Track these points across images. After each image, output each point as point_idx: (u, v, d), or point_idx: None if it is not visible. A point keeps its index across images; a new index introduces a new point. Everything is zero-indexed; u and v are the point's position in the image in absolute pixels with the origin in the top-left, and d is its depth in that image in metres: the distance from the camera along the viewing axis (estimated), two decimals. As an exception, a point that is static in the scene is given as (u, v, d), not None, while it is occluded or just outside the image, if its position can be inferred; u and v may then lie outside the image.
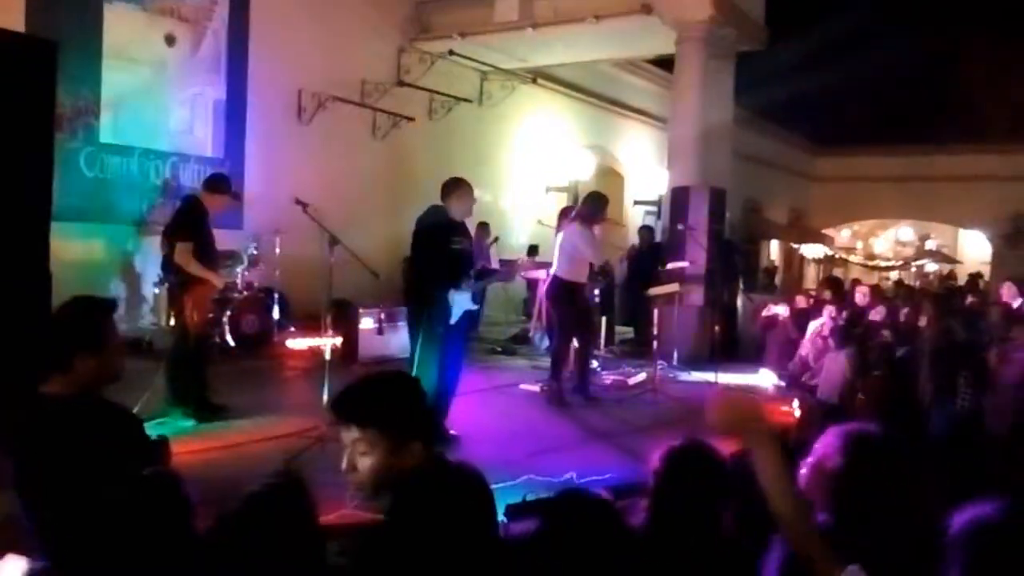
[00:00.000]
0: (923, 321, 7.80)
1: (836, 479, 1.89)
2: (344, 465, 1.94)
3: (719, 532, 2.00)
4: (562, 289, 6.90)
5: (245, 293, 8.02)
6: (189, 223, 5.65)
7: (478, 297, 5.42)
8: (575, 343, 7.03)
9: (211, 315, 6.64)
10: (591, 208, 7.15)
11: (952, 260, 24.28)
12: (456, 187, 5.36)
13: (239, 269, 7.96)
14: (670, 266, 8.33)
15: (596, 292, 8.19)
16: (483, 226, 10.08)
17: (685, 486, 2.08)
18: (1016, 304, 9.23)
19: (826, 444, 1.97)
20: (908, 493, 1.87)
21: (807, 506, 1.83)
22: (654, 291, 7.60)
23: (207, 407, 5.61)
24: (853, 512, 1.85)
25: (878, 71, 20.92)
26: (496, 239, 8.18)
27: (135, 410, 3.10)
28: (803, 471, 1.96)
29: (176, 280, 5.62)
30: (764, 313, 8.82)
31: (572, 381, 7.05)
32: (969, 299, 10.88)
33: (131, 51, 8.29)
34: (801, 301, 9.16)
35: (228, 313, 7.77)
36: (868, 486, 1.86)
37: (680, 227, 8.81)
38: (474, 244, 5.56)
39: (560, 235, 7.12)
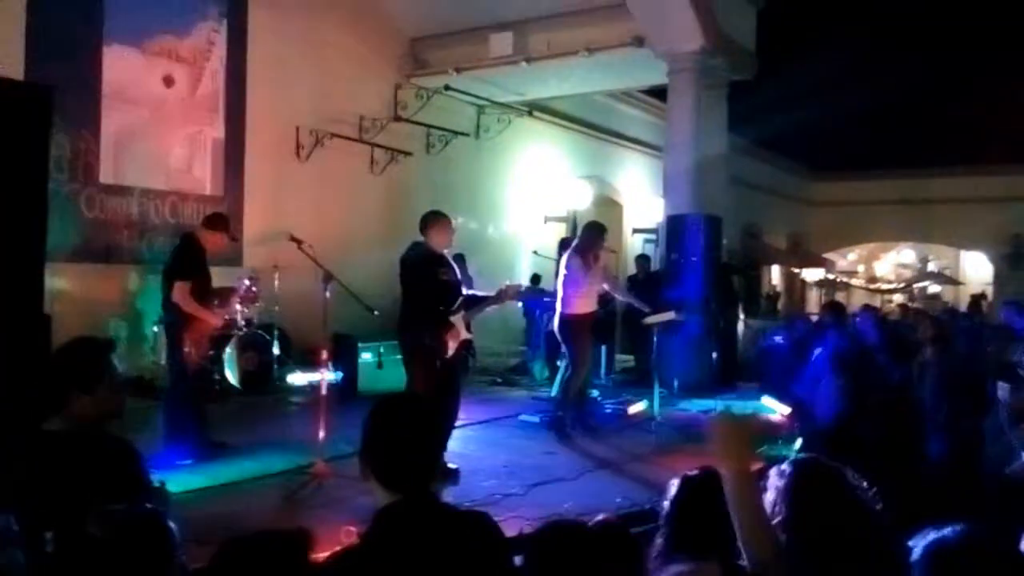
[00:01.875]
0: (924, 343, 7.79)
1: (778, 509, 1.94)
2: None
3: (735, 561, 2.00)
4: (571, 323, 6.89)
5: (245, 330, 8.04)
6: (186, 261, 5.70)
7: (469, 326, 5.44)
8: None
9: (210, 353, 6.66)
10: (586, 238, 7.19)
11: (954, 281, 24.27)
12: (434, 221, 5.41)
13: (236, 307, 7.97)
14: (667, 294, 8.34)
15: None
16: (460, 257, 10.13)
17: (703, 515, 2.09)
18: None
19: (772, 477, 2.04)
20: (852, 519, 1.89)
21: (772, 536, 1.86)
22: (651, 319, 7.60)
23: (206, 445, 5.61)
24: (803, 539, 1.89)
25: (874, 96, 21.09)
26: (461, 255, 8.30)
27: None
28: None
29: (174, 318, 5.65)
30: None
31: (572, 411, 7.03)
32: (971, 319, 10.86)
33: (130, 92, 8.40)
34: (807, 327, 9.16)
35: (228, 350, 7.78)
36: (807, 516, 1.90)
37: (675, 256, 8.83)
38: (459, 275, 5.59)
39: (562, 271, 7.11)
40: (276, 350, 8.38)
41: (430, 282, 5.21)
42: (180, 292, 5.55)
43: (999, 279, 21.36)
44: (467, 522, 1.95)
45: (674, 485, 2.30)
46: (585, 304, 6.96)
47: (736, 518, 1.85)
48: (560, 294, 6.97)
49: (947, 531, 1.61)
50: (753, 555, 1.83)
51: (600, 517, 2.10)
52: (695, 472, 2.30)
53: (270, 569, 1.70)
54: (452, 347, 5.23)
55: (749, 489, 1.88)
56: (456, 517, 1.95)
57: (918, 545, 1.62)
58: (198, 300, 5.63)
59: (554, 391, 8.55)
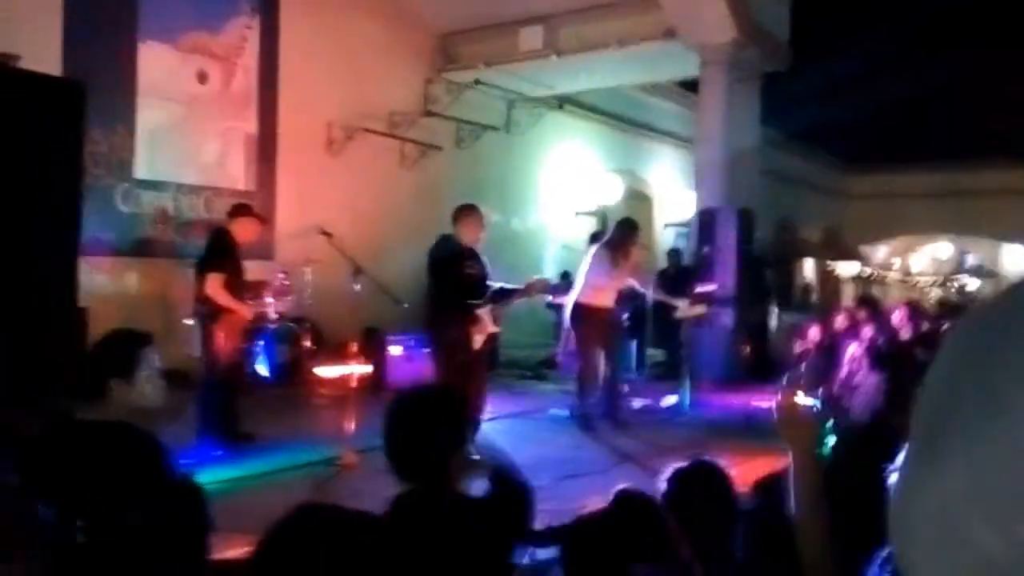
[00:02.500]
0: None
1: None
2: None
3: (731, 555, 1.98)
4: (583, 313, 6.88)
5: (277, 323, 8.12)
6: (218, 254, 5.77)
7: (499, 320, 5.44)
8: (602, 367, 6.99)
9: (243, 345, 6.74)
10: (619, 234, 7.13)
11: (993, 275, 23.75)
12: (464, 214, 5.43)
13: (269, 300, 8.04)
14: (698, 289, 8.27)
15: (625, 316, 8.14)
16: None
17: (694, 508, 2.06)
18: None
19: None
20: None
21: (827, 524, 1.83)
22: (681, 313, 7.55)
23: (236, 436, 5.68)
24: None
25: (910, 87, 20.67)
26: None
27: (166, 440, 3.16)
28: None
29: (207, 311, 5.72)
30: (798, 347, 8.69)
31: (602, 406, 7.01)
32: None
33: (165, 88, 8.52)
34: (839, 321, 9.02)
35: (261, 342, 7.87)
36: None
37: (706, 249, 8.76)
38: (488, 269, 5.59)
39: (587, 259, 7.13)
40: (307, 343, 8.45)
41: (457, 275, 5.23)
42: (213, 284, 5.62)
43: (1041, 273, 20.90)
44: (480, 513, 1.95)
45: (664, 479, 2.29)
46: (602, 297, 6.89)
47: (796, 500, 1.82)
48: (579, 283, 6.94)
49: None
50: (804, 538, 1.80)
51: None
52: (685, 464, 2.29)
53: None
54: (479, 340, 5.24)
55: (813, 472, 1.85)
56: (469, 508, 1.96)
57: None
58: (231, 293, 5.70)
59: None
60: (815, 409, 1.93)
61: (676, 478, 2.18)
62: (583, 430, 6.65)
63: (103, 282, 7.82)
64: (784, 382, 1.98)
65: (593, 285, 6.85)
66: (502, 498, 2.04)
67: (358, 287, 5.45)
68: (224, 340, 5.69)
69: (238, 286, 5.89)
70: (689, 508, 2.07)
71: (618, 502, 1.97)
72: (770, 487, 2.24)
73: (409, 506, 1.85)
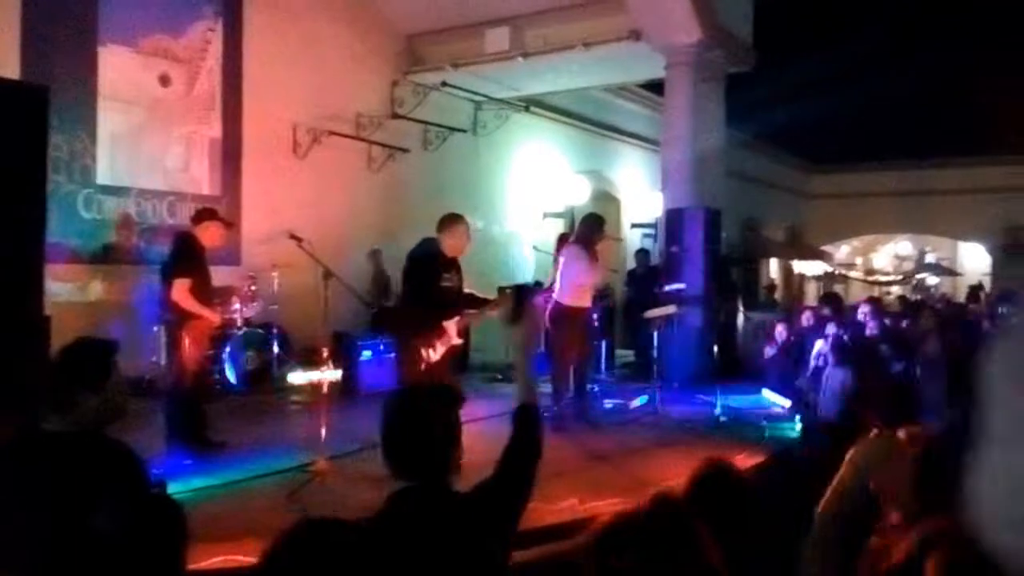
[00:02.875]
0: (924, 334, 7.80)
1: None
2: None
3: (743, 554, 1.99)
4: (562, 314, 6.86)
5: (244, 329, 8.03)
6: (184, 259, 5.69)
7: (462, 332, 5.42)
8: (573, 367, 7.01)
9: (210, 352, 6.66)
10: (587, 230, 7.14)
11: (952, 272, 24.28)
12: (450, 224, 5.37)
13: (236, 306, 7.97)
14: (667, 288, 8.34)
15: (595, 316, 8.18)
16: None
17: (713, 508, 2.08)
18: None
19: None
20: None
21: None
22: (651, 313, 7.60)
23: (206, 444, 5.60)
24: None
25: (872, 88, 21.07)
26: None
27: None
28: None
29: (173, 317, 5.64)
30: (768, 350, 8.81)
31: (573, 406, 7.02)
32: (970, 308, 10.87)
33: (126, 92, 8.38)
34: (805, 319, 9.15)
35: (227, 348, 7.77)
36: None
37: (674, 249, 8.83)
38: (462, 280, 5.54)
39: (560, 260, 7.11)
40: (276, 349, 8.37)
41: (431, 285, 5.19)
42: (180, 290, 5.55)
43: (997, 270, 21.38)
44: (475, 510, 1.96)
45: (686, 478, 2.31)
46: (582, 297, 6.92)
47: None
48: (557, 284, 6.93)
49: None
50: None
51: None
52: (705, 465, 2.31)
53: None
54: (439, 352, 5.21)
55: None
56: (465, 505, 1.97)
57: None
58: (198, 299, 5.63)
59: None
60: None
61: (697, 482, 2.19)
62: (556, 431, 6.65)
63: (64, 290, 7.68)
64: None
65: (572, 285, 6.84)
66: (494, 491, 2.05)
67: (328, 292, 5.40)
68: (191, 347, 5.62)
69: (206, 292, 5.82)
70: (710, 512, 2.07)
71: (655, 504, 1.95)
72: (703, 483, 2.27)
73: (408, 503, 1.86)
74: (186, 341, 5.60)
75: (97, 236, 8.13)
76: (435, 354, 5.17)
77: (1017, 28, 18.94)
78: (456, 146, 12.20)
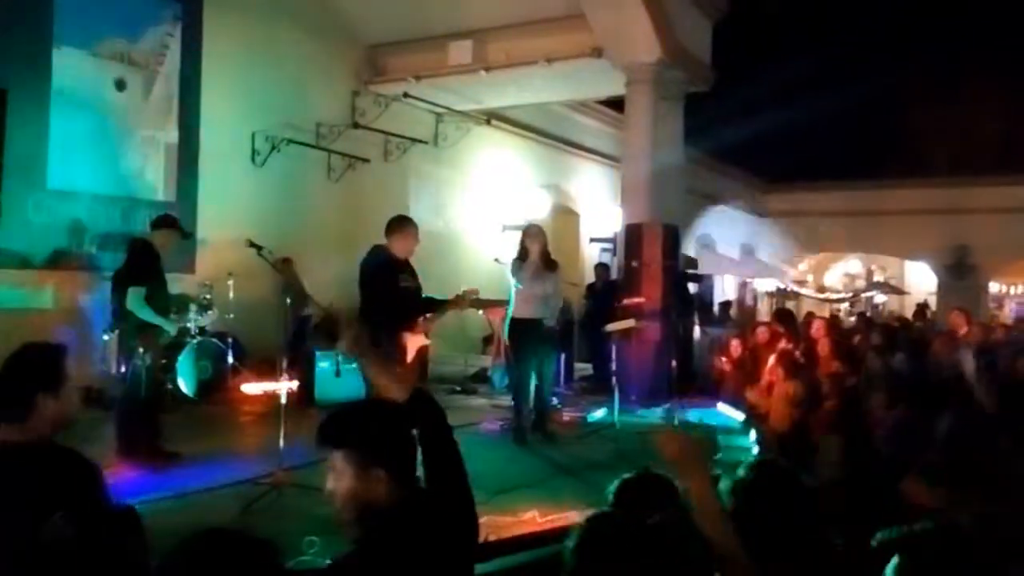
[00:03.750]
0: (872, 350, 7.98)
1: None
2: (326, 490, 1.96)
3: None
4: (516, 326, 6.86)
5: (198, 338, 7.89)
6: (140, 267, 5.58)
7: (428, 332, 5.41)
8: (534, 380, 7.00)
9: (164, 361, 6.53)
10: (528, 240, 6.98)
11: (899, 291, 24.92)
12: (398, 226, 5.38)
13: (191, 314, 7.84)
14: (626, 302, 8.42)
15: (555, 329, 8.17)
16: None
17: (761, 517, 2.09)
18: (963, 332, 9.50)
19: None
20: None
21: (735, 541, 1.90)
22: (611, 327, 7.66)
23: (159, 455, 5.48)
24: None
25: (823, 109, 21.59)
26: None
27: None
28: None
29: (127, 326, 5.53)
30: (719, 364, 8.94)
31: (531, 419, 7.02)
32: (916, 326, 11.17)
33: (80, 96, 8.21)
34: (761, 335, 9.31)
35: (181, 358, 7.63)
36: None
37: (634, 264, 8.92)
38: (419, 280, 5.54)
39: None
40: (231, 359, 8.24)
41: (391, 288, 5.17)
42: (134, 299, 5.44)
43: (942, 289, 21.98)
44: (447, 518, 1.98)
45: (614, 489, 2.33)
46: (525, 308, 6.81)
47: (702, 527, 1.89)
48: (515, 300, 6.90)
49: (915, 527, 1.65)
50: (715, 549, 1.87)
51: None
52: (632, 475, 2.34)
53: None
54: (411, 354, 5.20)
55: (710, 500, 1.92)
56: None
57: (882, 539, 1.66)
58: (153, 307, 5.52)
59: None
60: (694, 433, 2.02)
61: (743, 488, 2.19)
62: (516, 443, 6.65)
63: (11, 296, 7.47)
64: (664, 420, 2.10)
65: (528, 296, 6.81)
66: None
67: (288, 301, 5.34)
68: (145, 356, 5.50)
69: (162, 300, 5.72)
70: (756, 518, 2.06)
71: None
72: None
73: (415, 507, 1.92)
74: (140, 350, 5.48)
75: (47, 241, 7.93)
76: (408, 356, 5.15)
77: (966, 51, 19.62)
78: (417, 157, 12.20)
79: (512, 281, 6.82)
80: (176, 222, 5.95)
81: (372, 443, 1.92)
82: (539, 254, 6.85)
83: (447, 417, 2.19)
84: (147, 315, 5.46)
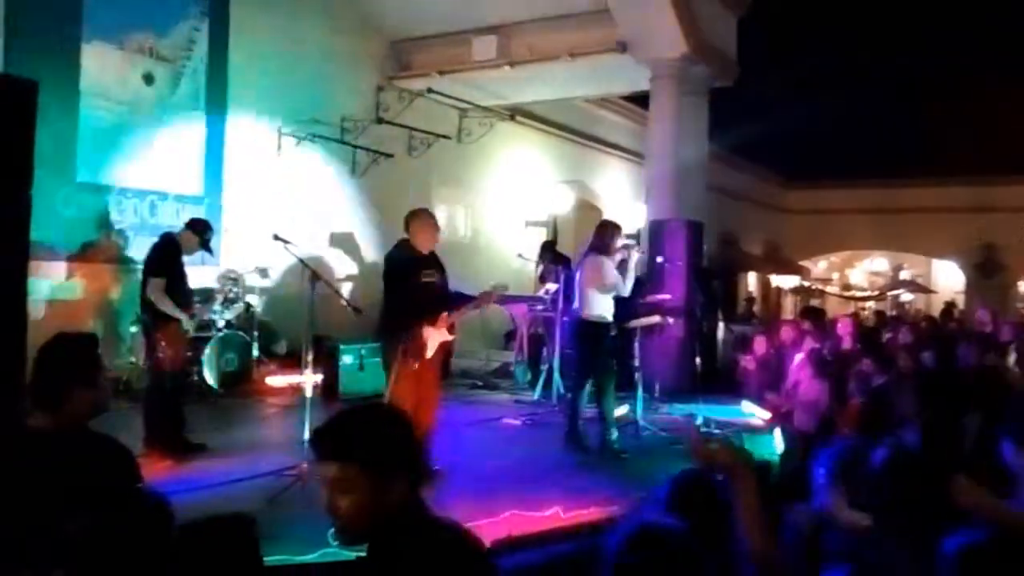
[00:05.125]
0: (901, 349, 7.88)
1: None
2: (325, 505, 1.81)
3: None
4: (589, 330, 6.40)
5: (224, 331, 7.95)
6: (161, 259, 5.67)
7: (453, 328, 5.37)
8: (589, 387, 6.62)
9: (188, 352, 6.58)
10: (606, 237, 6.65)
11: (926, 290, 24.61)
12: (416, 218, 5.28)
13: (216, 306, 7.91)
14: (650, 298, 8.37)
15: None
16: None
17: (692, 515, 2.08)
18: (988, 331, 9.37)
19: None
20: None
21: (773, 541, 1.89)
22: (635, 323, 7.61)
23: (184, 446, 5.54)
24: None
25: (849, 105, 21.35)
26: None
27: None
28: None
29: (149, 317, 5.59)
30: (743, 362, 8.85)
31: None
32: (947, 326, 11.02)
33: (109, 90, 8.29)
34: (786, 333, 9.22)
35: (207, 351, 7.69)
36: None
37: (660, 260, 8.86)
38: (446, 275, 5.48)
39: (578, 272, 6.65)
40: (256, 351, 8.30)
41: (412, 283, 5.14)
42: (153, 289, 5.52)
43: (970, 288, 21.69)
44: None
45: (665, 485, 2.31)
46: (607, 310, 6.49)
47: (745, 533, 1.87)
48: (585, 300, 6.45)
49: (976, 534, 1.62)
50: (752, 552, 1.86)
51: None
52: (683, 472, 2.32)
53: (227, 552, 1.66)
54: (431, 349, 5.18)
55: (756, 506, 1.90)
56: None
57: (947, 546, 1.64)
58: (174, 299, 5.57)
59: (537, 394, 8.56)
60: (727, 440, 1.98)
61: (675, 484, 2.18)
62: (575, 452, 6.27)
63: (42, 287, 7.57)
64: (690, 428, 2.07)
65: (598, 297, 6.41)
66: None
67: (314, 295, 5.35)
68: (167, 348, 5.55)
69: (183, 293, 5.78)
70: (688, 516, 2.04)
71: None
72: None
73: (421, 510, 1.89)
74: (162, 342, 5.54)
75: (76, 234, 8.03)
76: (428, 352, 5.14)
77: (992, 48, 19.31)
78: (440, 153, 12.21)
79: (617, 282, 6.45)
80: (202, 230, 5.95)
81: (389, 452, 1.79)
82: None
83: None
84: (166, 306, 5.52)
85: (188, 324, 5.86)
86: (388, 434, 1.84)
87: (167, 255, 5.71)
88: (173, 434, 5.53)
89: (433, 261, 5.30)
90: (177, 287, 5.70)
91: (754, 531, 1.86)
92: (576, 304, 6.57)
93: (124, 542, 1.76)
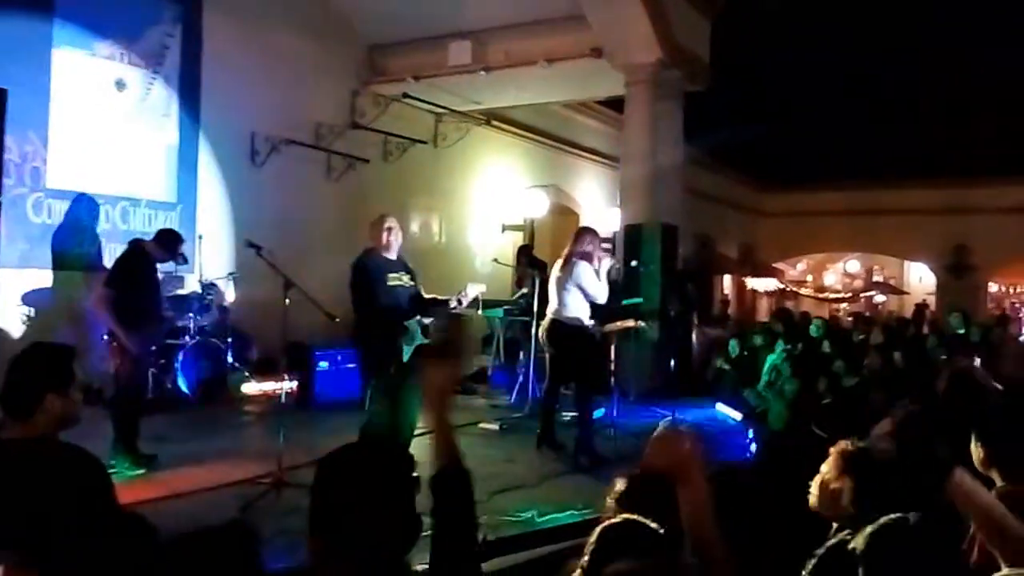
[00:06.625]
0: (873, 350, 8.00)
1: None
2: None
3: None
4: (570, 331, 6.41)
5: (197, 338, 7.89)
6: (120, 270, 5.64)
7: (427, 330, 5.38)
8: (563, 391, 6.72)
9: (162, 361, 6.51)
10: (586, 244, 6.61)
11: (899, 291, 24.93)
12: (372, 224, 5.43)
13: (190, 314, 7.85)
14: (625, 302, 8.41)
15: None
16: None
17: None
18: (962, 332, 9.52)
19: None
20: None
21: (721, 542, 1.90)
22: (610, 327, 7.65)
23: (137, 456, 5.47)
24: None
25: (822, 108, 21.56)
26: None
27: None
28: None
29: (116, 329, 5.54)
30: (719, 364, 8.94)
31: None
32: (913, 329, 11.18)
33: (80, 96, 8.21)
34: (758, 339, 9.33)
35: (180, 358, 7.63)
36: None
37: (634, 264, 8.92)
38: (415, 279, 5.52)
39: (559, 275, 6.57)
40: (230, 358, 8.25)
41: (379, 288, 5.17)
42: (96, 296, 5.50)
43: (941, 289, 21.99)
44: None
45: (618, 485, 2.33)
46: (587, 313, 6.53)
47: (691, 529, 1.88)
48: (564, 302, 6.44)
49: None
50: (703, 560, 1.86)
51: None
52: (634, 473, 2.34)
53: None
54: (407, 353, 5.19)
55: (704, 502, 1.91)
56: None
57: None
58: (134, 310, 5.48)
59: (513, 398, 8.57)
60: (687, 435, 1.98)
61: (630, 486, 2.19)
62: (588, 461, 6.17)
63: (11, 295, 7.48)
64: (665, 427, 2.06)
65: (578, 301, 6.42)
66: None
67: (288, 301, 5.34)
68: (123, 355, 5.49)
69: (153, 302, 5.74)
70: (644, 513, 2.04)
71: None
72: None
73: None
74: (118, 350, 5.49)
75: (47, 241, 7.93)
76: (404, 356, 5.15)
77: (963, 52, 19.60)
78: (416, 157, 12.20)
79: (601, 291, 6.49)
80: (175, 246, 5.90)
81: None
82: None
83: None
84: (104, 317, 5.48)
85: (129, 344, 5.49)
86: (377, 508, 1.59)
87: (128, 266, 5.66)
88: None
89: (399, 265, 5.35)
90: (145, 296, 5.65)
91: (701, 530, 1.88)
92: (555, 306, 6.55)
93: (104, 555, 1.74)
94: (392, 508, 1.55)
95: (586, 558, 1.89)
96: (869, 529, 1.89)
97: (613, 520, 1.99)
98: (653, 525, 1.94)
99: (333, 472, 1.61)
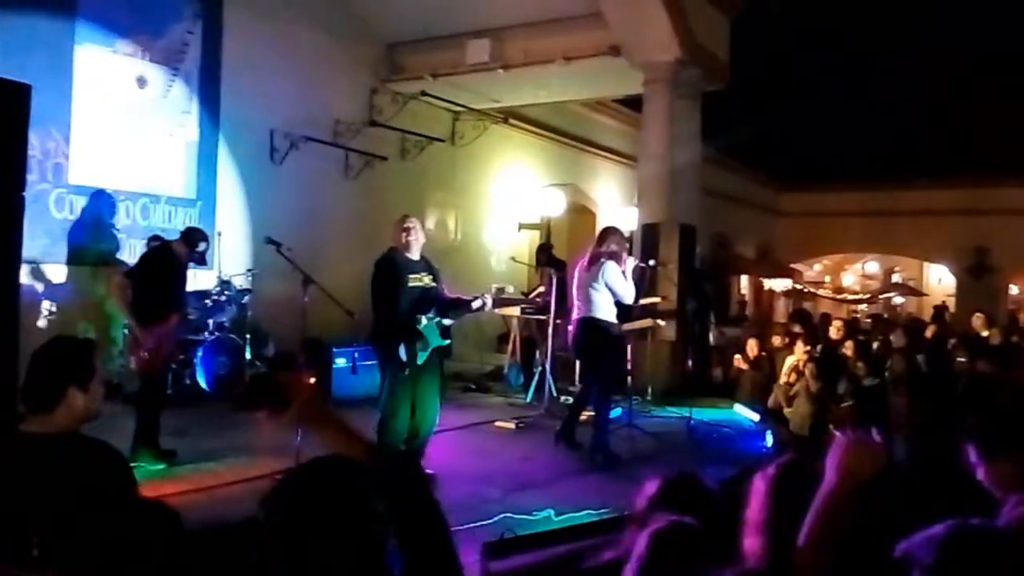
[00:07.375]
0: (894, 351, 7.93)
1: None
2: None
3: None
4: (601, 332, 6.36)
5: (217, 334, 7.94)
6: (143, 264, 5.69)
7: (448, 331, 5.39)
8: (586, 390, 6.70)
9: (166, 356, 6.51)
10: (613, 243, 6.57)
11: (918, 292, 24.71)
12: (393, 224, 5.40)
13: (209, 309, 7.90)
14: (643, 301, 8.39)
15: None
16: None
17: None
18: (985, 335, 9.43)
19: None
20: None
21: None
22: (627, 326, 7.64)
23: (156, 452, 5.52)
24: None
25: (841, 108, 21.42)
26: None
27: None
28: None
29: (131, 321, 5.59)
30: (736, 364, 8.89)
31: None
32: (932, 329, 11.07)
33: (102, 92, 8.28)
34: (778, 336, 9.27)
35: (199, 354, 7.68)
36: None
37: (651, 263, 8.89)
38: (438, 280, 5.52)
39: (585, 275, 6.49)
40: (248, 355, 8.29)
41: (399, 288, 5.18)
42: (114, 284, 5.55)
43: (961, 290, 21.77)
44: None
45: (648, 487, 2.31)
46: (615, 314, 6.51)
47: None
48: (594, 304, 6.36)
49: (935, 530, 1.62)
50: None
51: None
52: (669, 475, 2.31)
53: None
54: (423, 354, 5.20)
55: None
56: None
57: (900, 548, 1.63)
58: (154, 308, 5.51)
59: (530, 397, 8.57)
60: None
61: (662, 487, 2.17)
62: (605, 462, 6.10)
63: (33, 290, 7.56)
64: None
65: (608, 301, 6.37)
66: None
67: (307, 298, 5.37)
68: (147, 351, 5.53)
69: (176, 298, 5.77)
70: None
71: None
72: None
73: None
74: (142, 345, 5.53)
75: (68, 237, 8.01)
76: (421, 357, 5.15)
77: (989, 53, 19.41)
78: (434, 155, 12.22)
79: (629, 291, 6.46)
80: (196, 243, 5.93)
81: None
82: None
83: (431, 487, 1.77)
84: (120, 306, 5.53)
85: (143, 339, 5.52)
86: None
87: (152, 263, 5.71)
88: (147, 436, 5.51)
89: (421, 266, 5.35)
90: (164, 294, 5.67)
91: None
92: (585, 307, 6.43)
93: (133, 546, 1.75)
94: (345, 540, 1.29)
95: (635, 564, 1.82)
96: None
97: (661, 526, 1.93)
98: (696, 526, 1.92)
99: (281, 504, 1.33)
